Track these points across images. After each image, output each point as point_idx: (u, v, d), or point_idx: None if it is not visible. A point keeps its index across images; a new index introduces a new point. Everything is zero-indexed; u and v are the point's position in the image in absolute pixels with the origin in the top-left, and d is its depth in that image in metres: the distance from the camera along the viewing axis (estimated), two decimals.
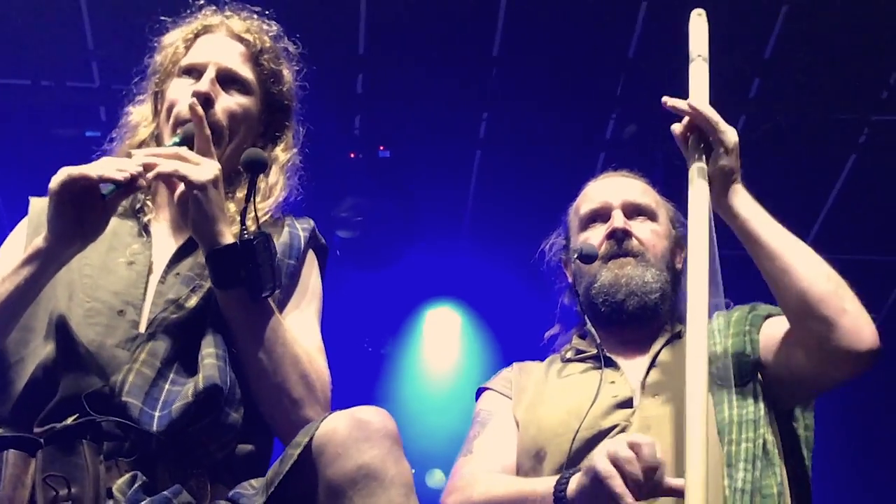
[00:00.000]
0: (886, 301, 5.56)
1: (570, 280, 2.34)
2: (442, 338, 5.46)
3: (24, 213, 2.02)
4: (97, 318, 1.85)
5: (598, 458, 1.83)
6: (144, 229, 1.99)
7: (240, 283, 1.83)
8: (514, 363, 2.41)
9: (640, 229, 2.25)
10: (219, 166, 1.85)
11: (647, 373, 2.18)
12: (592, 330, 2.23)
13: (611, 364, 2.20)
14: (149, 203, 2.00)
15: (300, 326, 1.95)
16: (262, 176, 1.95)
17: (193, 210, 1.81)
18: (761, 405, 2.08)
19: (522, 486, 2.06)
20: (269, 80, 2.02)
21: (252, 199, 1.86)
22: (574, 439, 2.07)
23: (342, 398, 1.87)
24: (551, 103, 4.49)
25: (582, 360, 2.26)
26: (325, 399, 1.89)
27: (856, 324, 1.98)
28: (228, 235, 1.84)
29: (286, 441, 1.79)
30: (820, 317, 1.98)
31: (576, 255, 2.23)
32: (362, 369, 5.05)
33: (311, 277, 2.04)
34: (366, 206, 4.70)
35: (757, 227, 2.05)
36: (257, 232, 1.85)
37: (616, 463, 1.79)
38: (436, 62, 4.45)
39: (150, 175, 1.77)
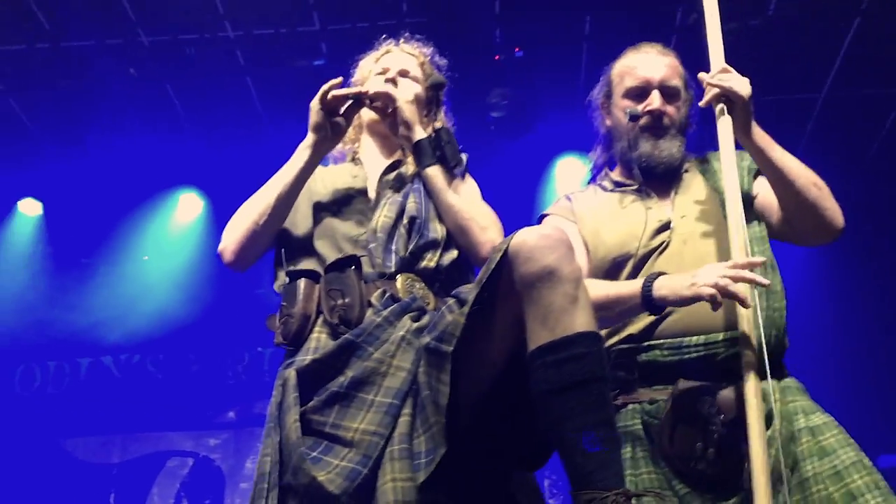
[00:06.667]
0: None
1: (608, 123, 2.56)
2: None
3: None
4: (344, 206, 2.28)
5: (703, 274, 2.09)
6: (353, 159, 2.43)
7: (437, 161, 2.24)
8: (567, 195, 2.58)
9: (671, 109, 2.45)
10: (416, 91, 2.34)
11: (675, 198, 2.43)
12: (637, 171, 2.44)
13: (649, 195, 2.43)
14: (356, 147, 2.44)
15: (472, 192, 2.32)
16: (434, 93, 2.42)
17: (401, 119, 2.26)
18: (763, 226, 2.36)
19: (609, 288, 2.24)
20: (426, 73, 2.50)
21: (438, 108, 2.37)
22: (635, 256, 2.31)
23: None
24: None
25: (623, 192, 2.48)
26: (498, 225, 2.25)
27: (833, 218, 2.29)
28: (423, 133, 2.27)
29: (477, 259, 2.19)
30: (809, 214, 2.29)
31: (627, 117, 2.43)
32: (515, 215, 5.29)
33: (468, 174, 2.37)
34: (508, 93, 5.27)
35: (769, 154, 2.28)
36: (443, 128, 2.29)
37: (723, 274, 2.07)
38: None
39: (371, 91, 2.27)
